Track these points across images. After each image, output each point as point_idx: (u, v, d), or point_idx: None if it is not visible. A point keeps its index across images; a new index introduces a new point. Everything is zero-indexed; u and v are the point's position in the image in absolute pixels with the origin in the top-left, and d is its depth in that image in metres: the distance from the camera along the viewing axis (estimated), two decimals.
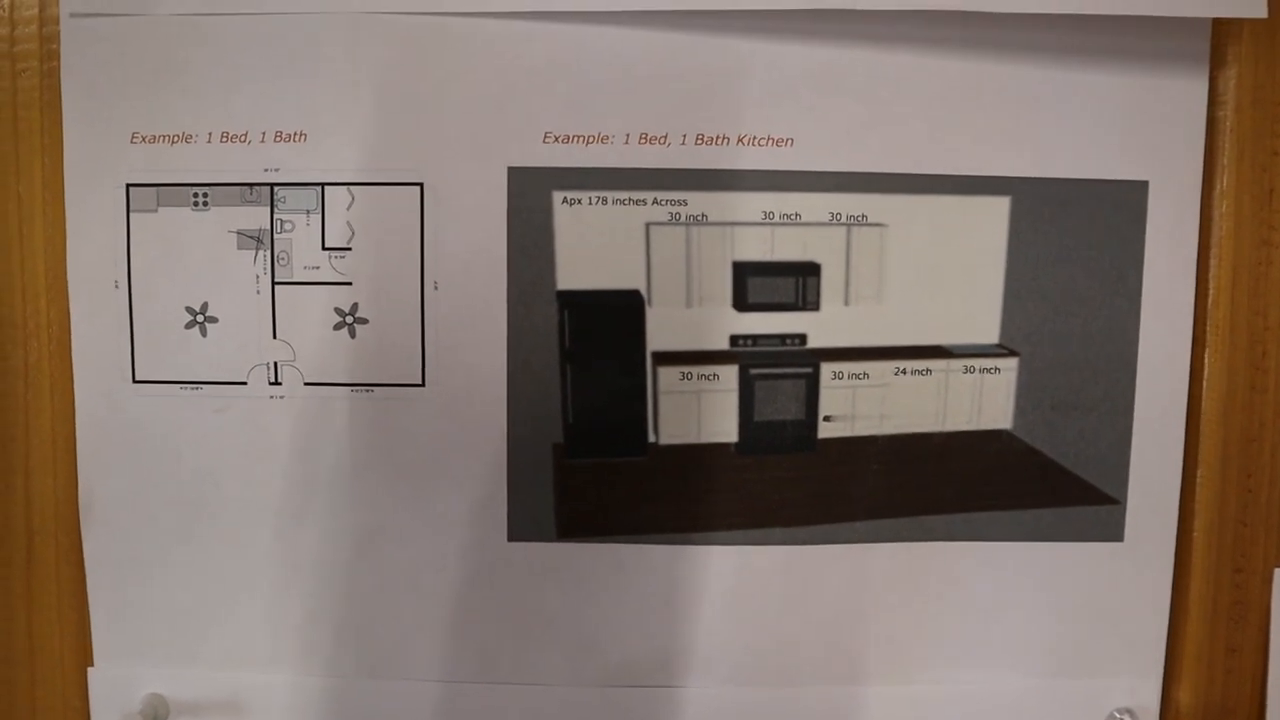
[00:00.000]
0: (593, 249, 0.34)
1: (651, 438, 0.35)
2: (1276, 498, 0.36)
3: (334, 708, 0.36)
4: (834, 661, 0.36)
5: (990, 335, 0.35)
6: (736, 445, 0.35)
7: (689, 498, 0.35)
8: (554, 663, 0.36)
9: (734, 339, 0.35)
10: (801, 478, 0.35)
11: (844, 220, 0.34)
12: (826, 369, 0.35)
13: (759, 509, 0.35)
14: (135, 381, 0.35)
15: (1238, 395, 0.36)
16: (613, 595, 0.35)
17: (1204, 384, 0.36)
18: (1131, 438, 0.36)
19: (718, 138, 0.34)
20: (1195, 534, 0.36)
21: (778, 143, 0.34)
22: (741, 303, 0.34)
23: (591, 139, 0.34)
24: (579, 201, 0.34)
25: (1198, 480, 0.36)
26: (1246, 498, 0.36)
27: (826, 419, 0.35)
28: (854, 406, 0.35)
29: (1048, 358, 0.35)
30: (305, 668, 0.36)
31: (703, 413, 0.35)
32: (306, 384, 0.35)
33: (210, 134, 0.34)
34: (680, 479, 0.35)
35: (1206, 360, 0.36)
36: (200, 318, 0.35)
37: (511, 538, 0.35)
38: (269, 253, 0.34)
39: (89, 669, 0.36)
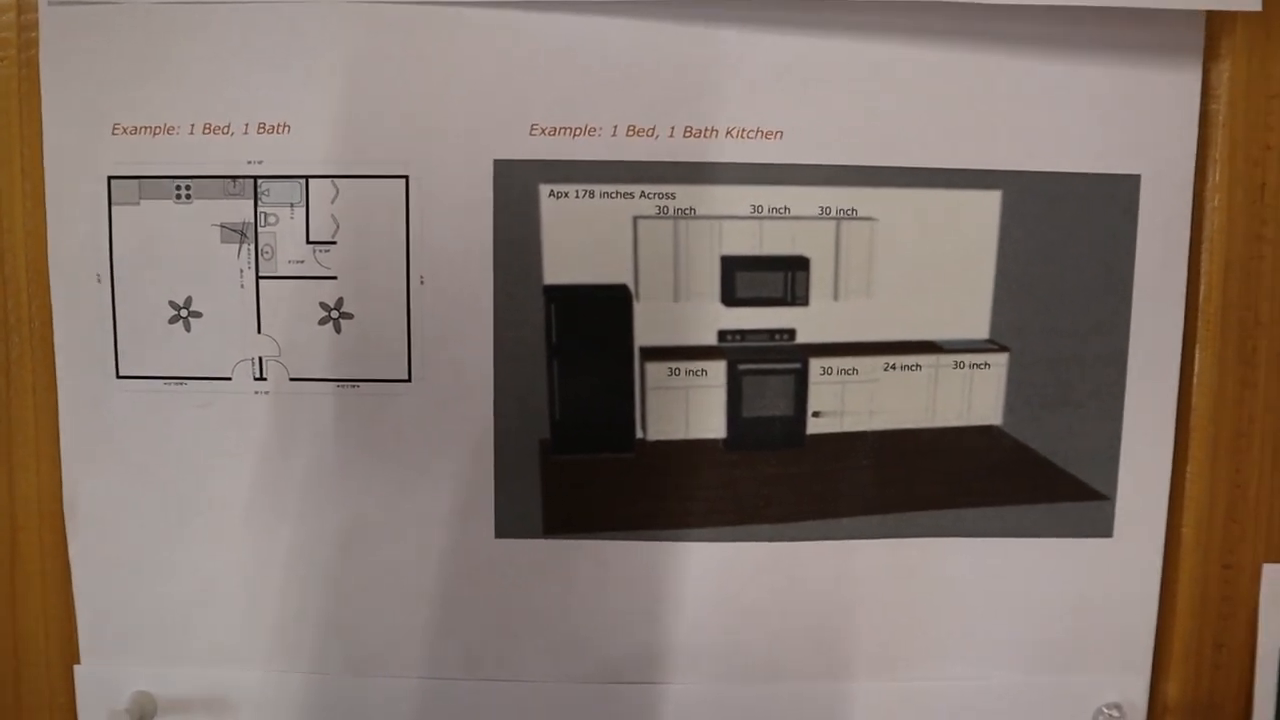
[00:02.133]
0: (580, 243, 0.34)
1: (639, 434, 0.35)
2: (1266, 494, 0.36)
3: (320, 704, 0.36)
4: (822, 658, 0.36)
5: (980, 330, 0.35)
6: (725, 441, 0.35)
7: (677, 494, 0.35)
8: (540, 659, 0.36)
9: (722, 334, 0.34)
10: (790, 474, 0.35)
11: (833, 214, 0.34)
12: (815, 364, 0.35)
13: (747, 505, 0.35)
14: (119, 377, 0.35)
15: (1228, 391, 0.36)
16: (599, 592, 0.35)
17: (1194, 380, 0.36)
18: (1121, 433, 0.36)
19: (706, 130, 0.34)
20: (1184, 530, 0.36)
21: (767, 135, 0.34)
22: (730, 297, 0.34)
23: (579, 131, 0.34)
24: (566, 195, 0.34)
25: (1187, 476, 0.36)
26: (1235, 494, 0.36)
27: (815, 415, 0.35)
28: (843, 402, 0.35)
29: (1038, 353, 0.35)
30: (292, 664, 0.36)
31: (691, 409, 0.35)
32: (291, 379, 0.35)
33: (192, 125, 0.34)
34: (668, 475, 0.35)
35: (1197, 356, 0.36)
36: (184, 312, 0.34)
37: (498, 534, 0.35)
38: (253, 246, 0.34)
39: (75, 667, 0.36)
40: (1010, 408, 0.35)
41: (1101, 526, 0.36)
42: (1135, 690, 0.37)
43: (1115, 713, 0.36)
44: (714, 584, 0.35)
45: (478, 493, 0.35)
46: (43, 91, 0.34)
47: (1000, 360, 0.35)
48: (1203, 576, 0.37)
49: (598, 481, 0.35)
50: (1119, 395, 0.35)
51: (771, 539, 0.35)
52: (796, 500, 0.35)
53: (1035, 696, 0.36)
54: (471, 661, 0.36)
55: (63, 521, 0.35)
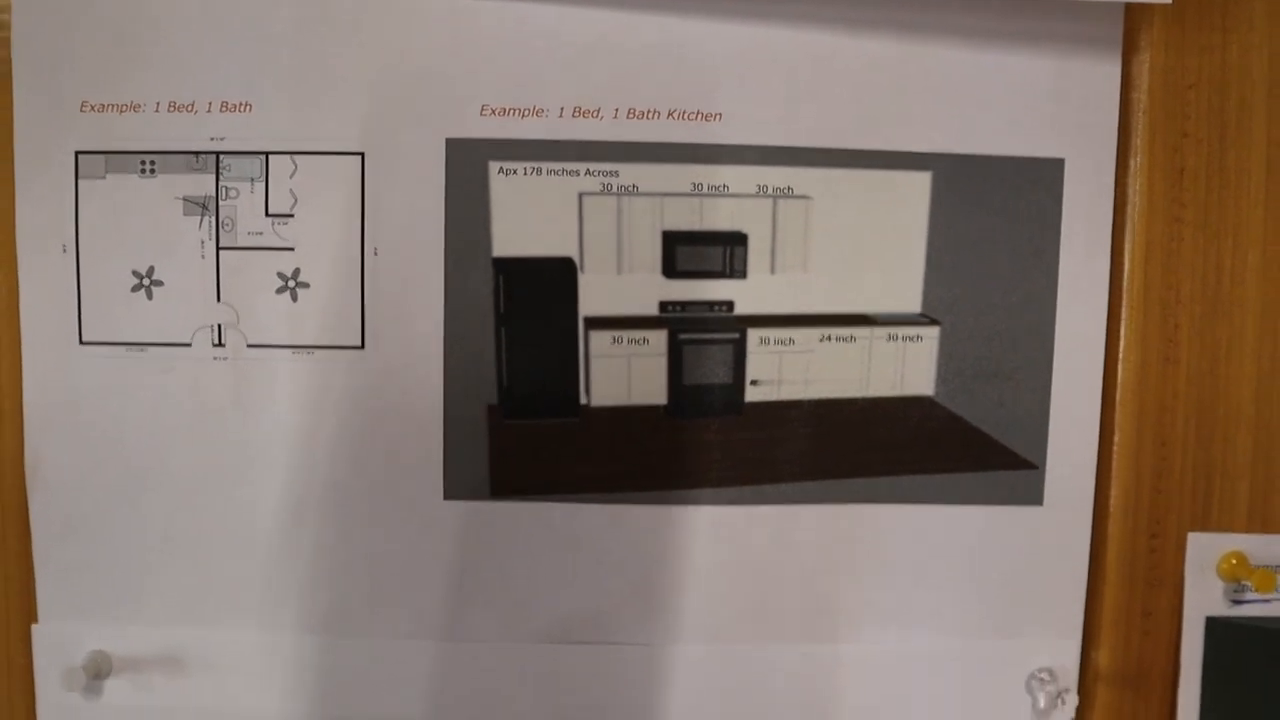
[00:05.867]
0: (527, 218, 0.37)
1: (583, 400, 0.37)
2: (1190, 466, 0.39)
3: (272, 663, 0.38)
4: (761, 620, 0.38)
5: (913, 305, 0.37)
6: (666, 408, 0.37)
7: (620, 459, 0.37)
8: (487, 619, 0.38)
9: (663, 305, 0.37)
10: (729, 440, 0.37)
11: (770, 192, 0.37)
12: (753, 335, 0.37)
13: (688, 471, 0.37)
14: (82, 343, 0.37)
15: (1151, 366, 0.38)
16: (546, 553, 0.37)
17: (1119, 355, 0.38)
18: (1050, 405, 0.38)
19: (649, 112, 0.36)
20: (1112, 499, 0.39)
21: (706, 117, 0.36)
22: (671, 270, 0.37)
23: (527, 112, 0.36)
24: (514, 172, 0.36)
25: (1114, 448, 0.39)
26: (1161, 465, 0.39)
27: (753, 383, 0.37)
28: (780, 371, 0.37)
29: (968, 327, 0.38)
30: (245, 624, 0.38)
31: (633, 376, 0.37)
32: (249, 346, 0.37)
33: (158, 103, 0.36)
34: (611, 441, 0.37)
35: (1122, 333, 0.38)
36: (146, 281, 0.37)
37: (447, 496, 0.37)
38: (214, 219, 0.37)
39: (33, 626, 0.38)
40: (942, 379, 0.38)
41: (1032, 494, 0.38)
42: (1067, 655, 0.39)
43: (1047, 677, 0.38)
44: (656, 546, 0.37)
45: (427, 456, 0.37)
46: (14, 70, 0.36)
47: (932, 333, 0.38)
48: (1131, 545, 0.39)
49: (544, 446, 0.37)
50: (1047, 369, 0.38)
51: (712, 503, 0.37)
52: (735, 466, 0.37)
53: (969, 661, 0.39)
54: (422, 621, 0.38)
55: (24, 483, 0.37)
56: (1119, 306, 0.38)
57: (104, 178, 0.37)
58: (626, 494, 0.37)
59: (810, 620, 0.38)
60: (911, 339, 0.38)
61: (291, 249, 0.37)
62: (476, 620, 0.38)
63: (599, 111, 0.36)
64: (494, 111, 0.36)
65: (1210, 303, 0.39)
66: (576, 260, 0.37)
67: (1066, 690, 0.38)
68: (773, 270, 0.37)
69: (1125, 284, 0.38)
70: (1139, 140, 0.38)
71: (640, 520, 0.37)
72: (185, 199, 0.37)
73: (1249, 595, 0.39)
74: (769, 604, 0.38)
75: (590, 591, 0.38)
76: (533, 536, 0.37)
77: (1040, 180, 0.37)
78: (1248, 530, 0.39)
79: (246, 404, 0.37)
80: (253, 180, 0.37)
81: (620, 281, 0.37)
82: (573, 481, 0.37)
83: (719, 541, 0.38)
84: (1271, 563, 0.39)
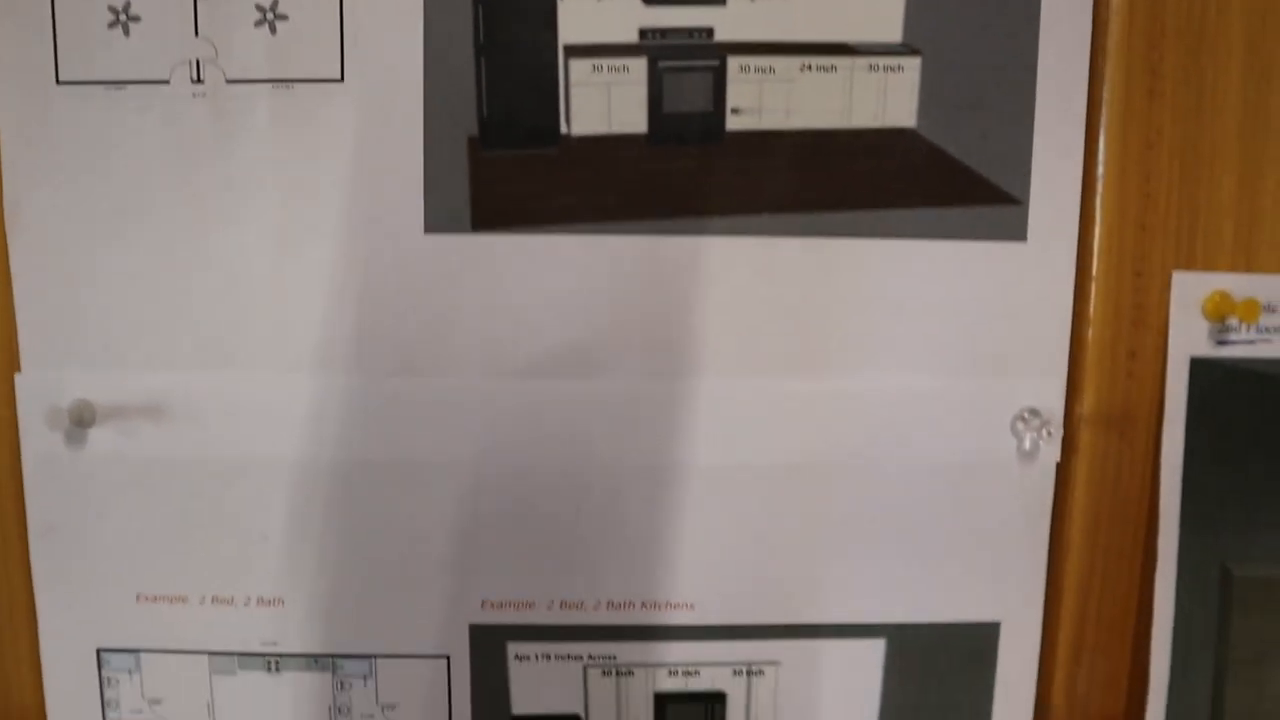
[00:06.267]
0: None
1: (564, 129, 0.37)
2: (1175, 202, 0.39)
3: (255, 404, 0.38)
4: (742, 354, 0.38)
5: (893, 34, 0.37)
6: (646, 136, 0.37)
7: (601, 188, 0.37)
8: (470, 354, 0.38)
9: (643, 33, 0.37)
10: (710, 168, 0.37)
11: None
12: (733, 62, 0.37)
13: (669, 200, 0.37)
14: (59, 83, 0.37)
15: (1135, 101, 0.38)
16: (527, 285, 0.38)
17: (1103, 89, 0.38)
18: (1033, 139, 0.38)
19: None
20: (1097, 237, 0.39)
21: None
22: None
23: None
24: None
25: (1098, 185, 0.39)
26: (1145, 202, 0.39)
27: (734, 111, 0.37)
28: (761, 100, 0.37)
29: (950, 58, 0.37)
30: (227, 365, 0.38)
31: (613, 105, 0.37)
32: (228, 82, 0.37)
33: None
34: (592, 170, 0.37)
35: (1106, 67, 0.38)
36: (123, 17, 0.37)
37: (428, 230, 0.37)
38: None
39: (16, 375, 0.38)
40: (925, 111, 0.38)
41: (1015, 230, 0.38)
42: (1051, 395, 0.39)
43: (1028, 414, 0.38)
44: (638, 277, 0.37)
45: (407, 189, 0.37)
46: None
47: (913, 64, 0.37)
48: (1115, 284, 0.39)
49: (525, 176, 0.37)
50: (1030, 101, 0.38)
51: (693, 233, 0.37)
52: (717, 194, 0.37)
53: (955, 400, 0.39)
54: (404, 357, 0.38)
55: (4, 230, 0.37)
56: (1103, 37, 0.38)
57: None
58: (608, 224, 0.37)
59: (793, 355, 0.38)
60: (893, 69, 0.37)
61: None
62: (459, 354, 0.38)
63: None
64: None
65: (1196, 36, 0.38)
66: None
67: (1050, 423, 0.38)
68: None
69: (1110, 13, 0.38)
70: None
71: (622, 250, 0.37)
72: None
73: (1233, 336, 0.39)
74: (750, 337, 0.38)
75: (573, 324, 0.38)
76: (514, 269, 0.37)
77: None
78: (1232, 269, 0.39)
79: (226, 141, 0.37)
80: None
81: (599, 9, 0.37)
82: (554, 212, 0.37)
83: (701, 272, 0.37)
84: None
